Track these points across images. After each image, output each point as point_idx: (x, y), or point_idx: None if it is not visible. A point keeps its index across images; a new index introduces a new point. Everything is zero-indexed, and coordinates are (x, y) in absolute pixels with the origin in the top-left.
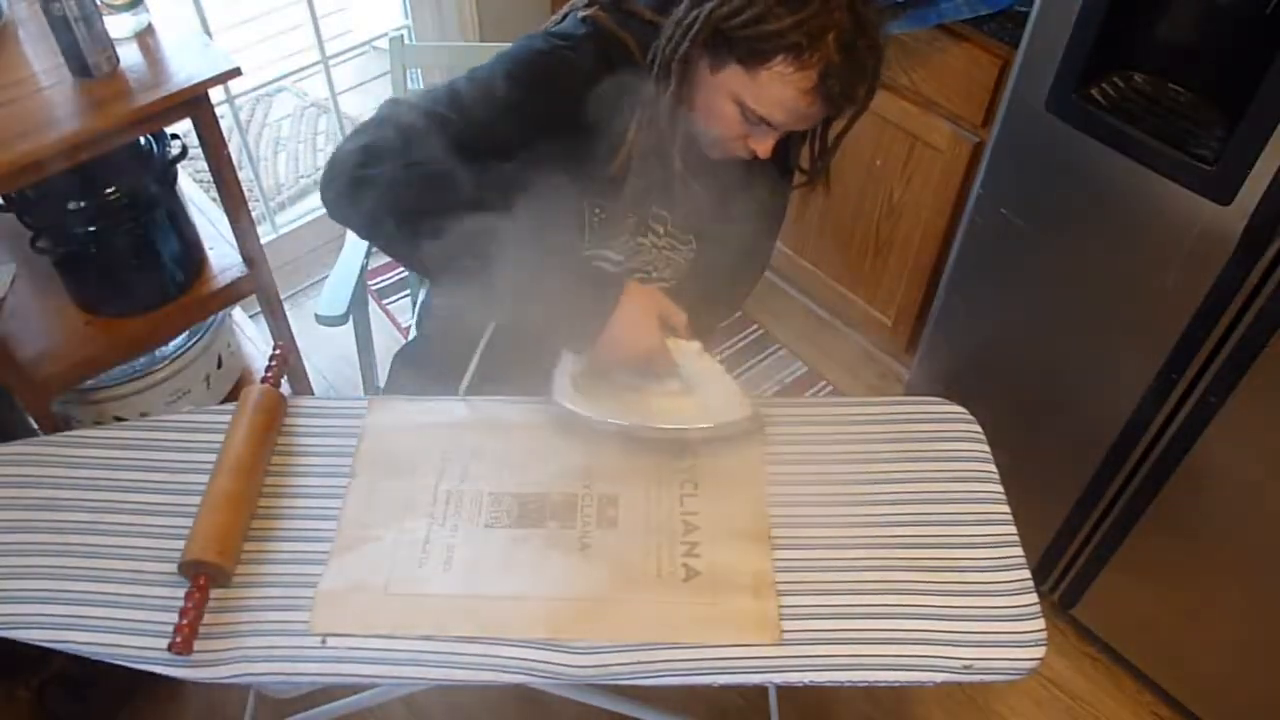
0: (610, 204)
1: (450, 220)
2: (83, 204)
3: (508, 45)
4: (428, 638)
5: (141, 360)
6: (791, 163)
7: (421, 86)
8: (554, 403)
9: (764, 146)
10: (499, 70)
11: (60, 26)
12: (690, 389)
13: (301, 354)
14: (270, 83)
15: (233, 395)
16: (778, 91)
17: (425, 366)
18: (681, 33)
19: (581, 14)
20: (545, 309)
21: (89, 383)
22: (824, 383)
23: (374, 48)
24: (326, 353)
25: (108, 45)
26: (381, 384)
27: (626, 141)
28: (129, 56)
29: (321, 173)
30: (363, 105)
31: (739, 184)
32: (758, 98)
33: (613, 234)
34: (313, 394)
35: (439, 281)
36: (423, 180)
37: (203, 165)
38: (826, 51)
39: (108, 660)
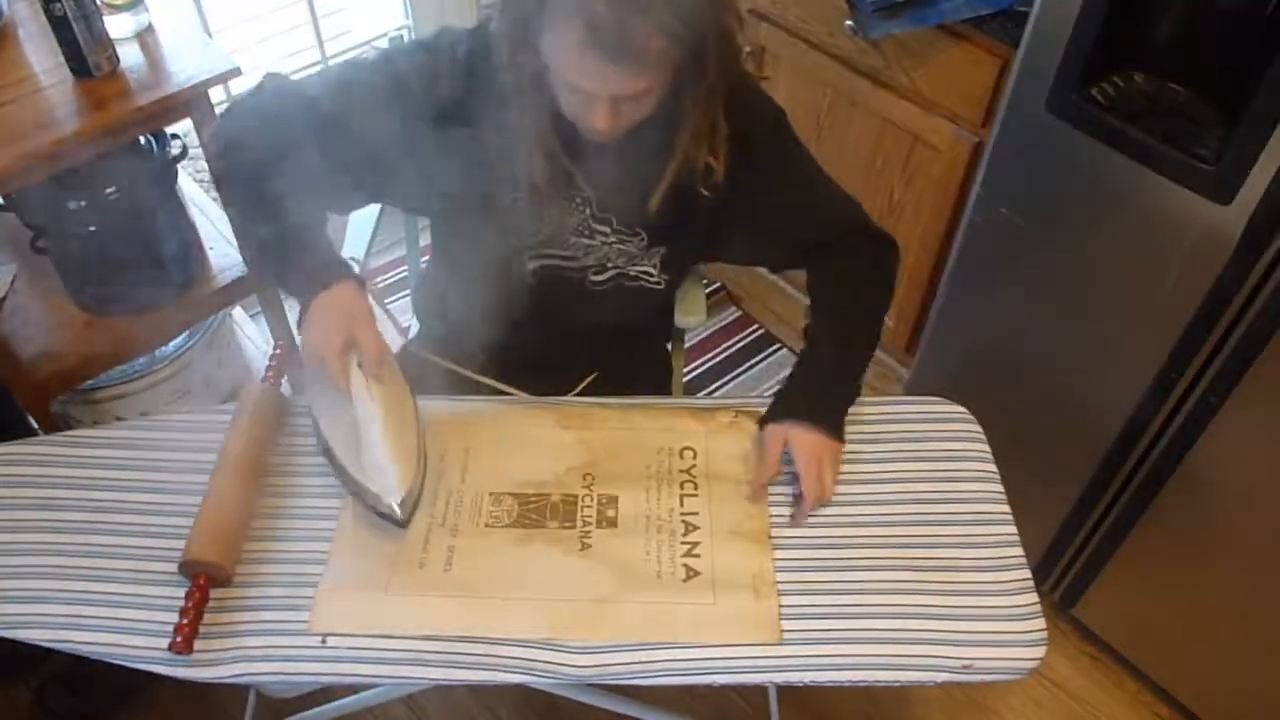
0: (523, 198)
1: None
2: (83, 204)
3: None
4: (428, 638)
5: (141, 360)
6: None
7: None
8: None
9: (596, 117)
10: (381, 59)
11: (60, 26)
12: (357, 437)
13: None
14: None
15: (233, 395)
16: (561, 51)
17: (426, 366)
18: (500, 9)
19: (488, 7)
20: (286, 288)
21: (89, 383)
22: None
23: (374, 48)
24: None
25: (108, 45)
26: None
27: (516, 134)
28: (129, 56)
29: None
30: None
31: (640, 163)
32: (553, 61)
33: (552, 234)
34: None
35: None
36: (240, 145)
37: (203, 165)
38: (587, 1)
39: (108, 660)
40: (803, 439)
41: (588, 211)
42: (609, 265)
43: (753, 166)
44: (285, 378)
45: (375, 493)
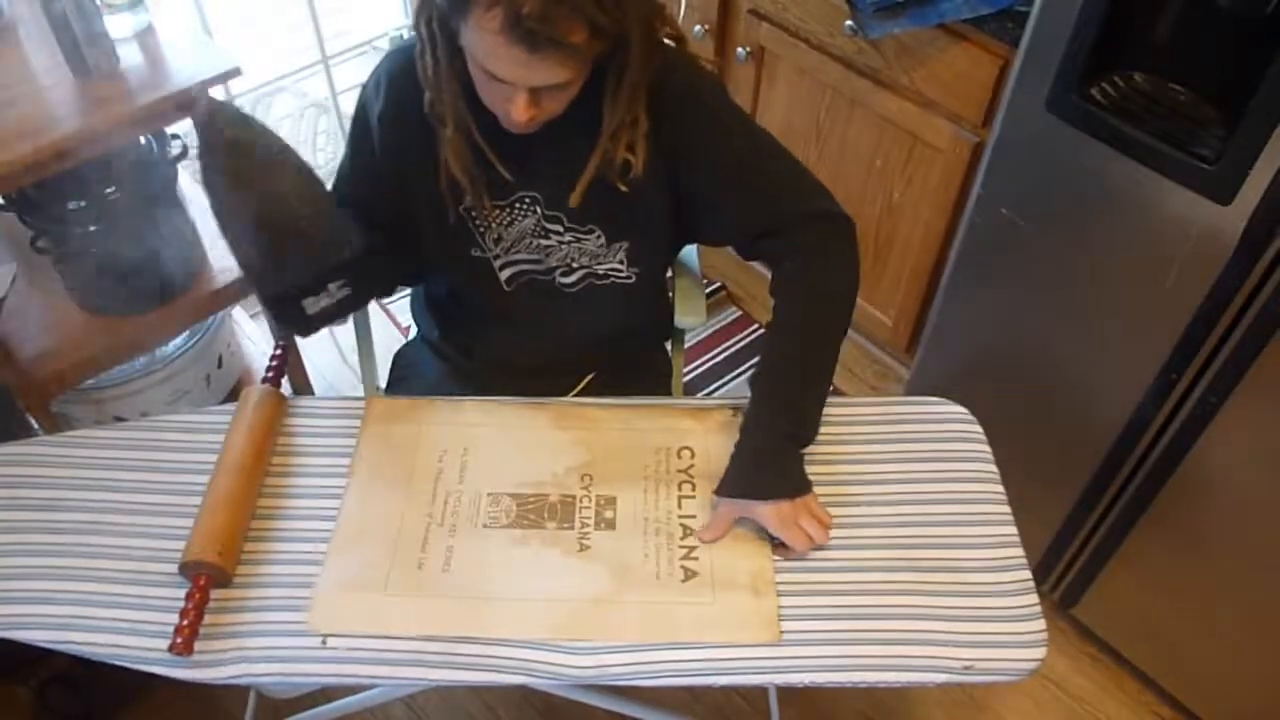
0: (470, 201)
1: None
2: (83, 204)
3: None
4: (428, 638)
5: (141, 360)
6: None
7: None
8: None
9: (514, 107)
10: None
11: (60, 26)
12: None
13: (301, 354)
14: (270, 83)
15: (233, 395)
16: (481, 40)
17: (426, 366)
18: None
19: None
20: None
21: (89, 383)
22: None
23: (374, 48)
24: (326, 353)
25: (108, 45)
26: (381, 384)
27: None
28: (129, 56)
29: None
30: None
31: (566, 153)
32: (473, 51)
33: (514, 238)
34: (313, 394)
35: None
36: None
37: None
38: None
39: (108, 661)
40: (766, 512)
41: (538, 211)
42: (574, 265)
43: (694, 147)
44: (285, 378)
45: None
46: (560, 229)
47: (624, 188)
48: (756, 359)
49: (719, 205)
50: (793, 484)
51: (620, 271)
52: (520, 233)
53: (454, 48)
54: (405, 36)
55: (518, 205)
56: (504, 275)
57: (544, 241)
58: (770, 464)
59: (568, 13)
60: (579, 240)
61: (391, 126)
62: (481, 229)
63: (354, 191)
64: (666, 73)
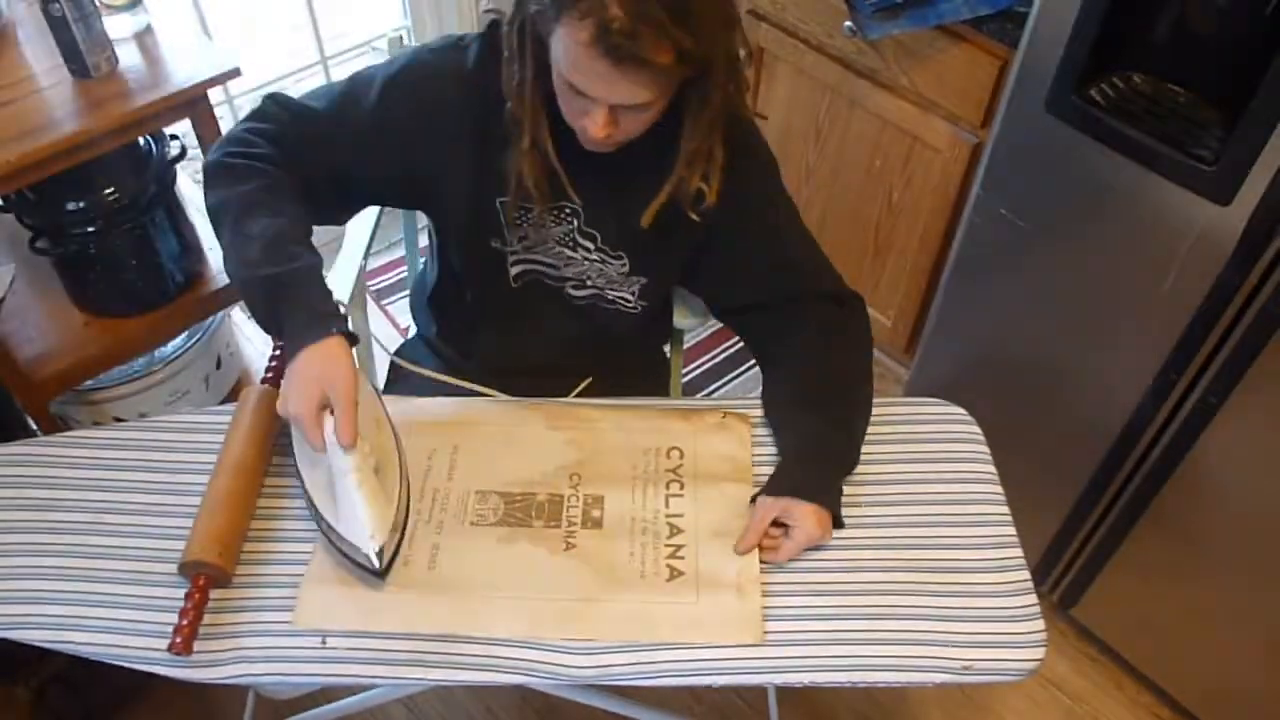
0: (510, 198)
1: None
2: (82, 204)
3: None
4: (418, 636)
5: (141, 360)
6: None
7: None
8: None
9: (593, 122)
10: (382, 68)
11: (60, 26)
12: (333, 486)
13: None
14: (270, 83)
15: (232, 396)
16: (566, 50)
17: (424, 364)
18: (514, 6)
19: (487, 13)
20: (272, 332)
21: (88, 383)
22: None
23: (373, 48)
24: None
25: (107, 45)
26: (379, 384)
27: (513, 128)
28: (128, 56)
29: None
30: None
31: (636, 185)
32: (559, 61)
33: (537, 240)
34: None
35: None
36: (231, 170)
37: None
38: (602, 1)
39: (107, 661)
40: (806, 512)
41: (575, 223)
42: (587, 283)
43: (739, 208)
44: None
45: (352, 544)
46: (591, 247)
47: (696, 217)
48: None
49: (738, 266)
50: (833, 500)
51: (628, 302)
52: (547, 237)
53: (540, 58)
54: (405, 37)
55: (556, 211)
56: (514, 271)
57: (569, 252)
58: (818, 472)
59: (655, 33)
60: (604, 262)
61: (460, 107)
62: (508, 222)
63: (321, 133)
64: (734, 124)
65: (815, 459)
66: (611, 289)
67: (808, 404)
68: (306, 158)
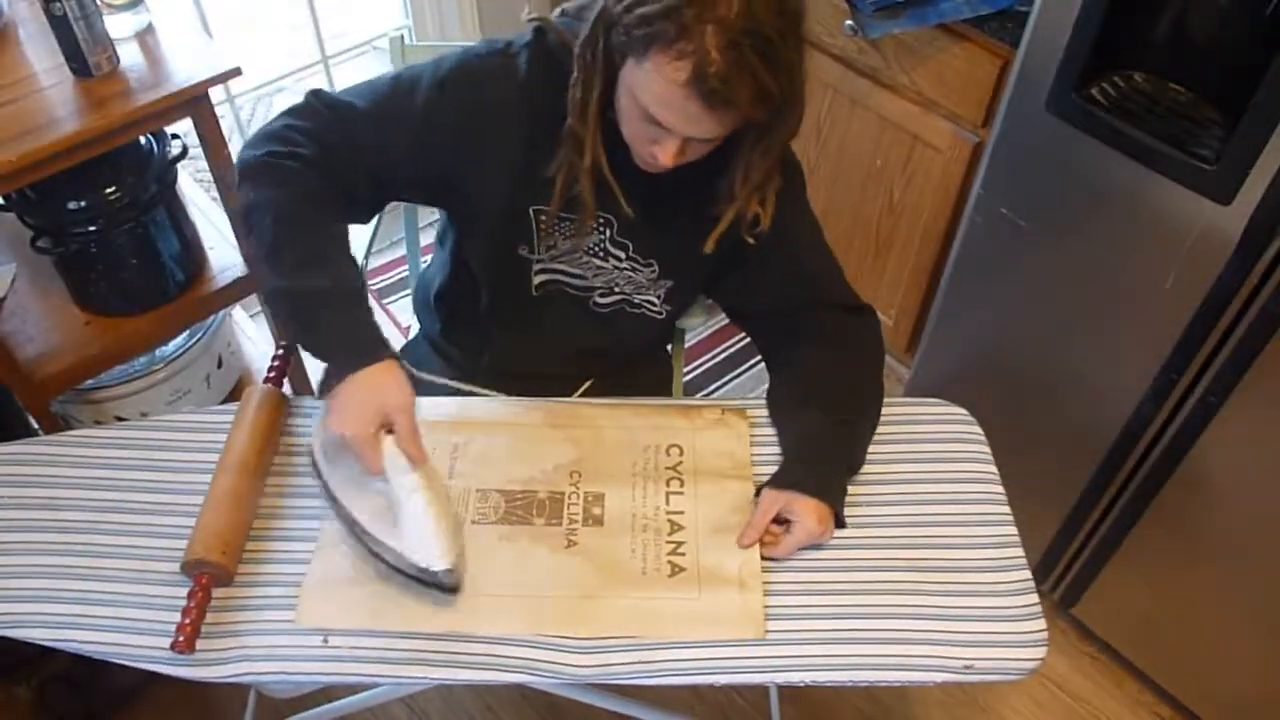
0: (552, 208)
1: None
2: (83, 204)
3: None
4: (420, 635)
5: (141, 360)
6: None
7: None
8: (313, 447)
9: (664, 151)
10: (428, 71)
11: (60, 26)
12: (394, 508)
13: (301, 353)
14: (270, 83)
15: (233, 395)
16: (656, 85)
17: (427, 364)
18: (589, 24)
19: (531, 21)
20: (314, 350)
21: (89, 383)
22: None
23: (374, 48)
24: None
25: (108, 45)
26: None
27: (563, 145)
28: (129, 56)
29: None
30: None
31: (678, 198)
32: (643, 92)
33: (568, 249)
34: (313, 393)
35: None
36: (271, 171)
37: (203, 165)
38: (702, 44)
39: (110, 660)
40: (809, 508)
41: (608, 234)
42: (615, 290)
43: (772, 220)
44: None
45: (422, 564)
46: (622, 256)
47: (751, 239)
48: (756, 359)
49: (758, 274)
50: (836, 499)
51: (653, 305)
52: (578, 246)
53: (609, 78)
54: (405, 37)
55: (571, 216)
56: (537, 280)
57: (599, 262)
58: (822, 469)
59: (748, 79)
60: (635, 270)
61: (506, 113)
62: (540, 230)
63: (365, 132)
64: None
65: (819, 457)
66: (639, 293)
67: (814, 403)
68: (348, 157)
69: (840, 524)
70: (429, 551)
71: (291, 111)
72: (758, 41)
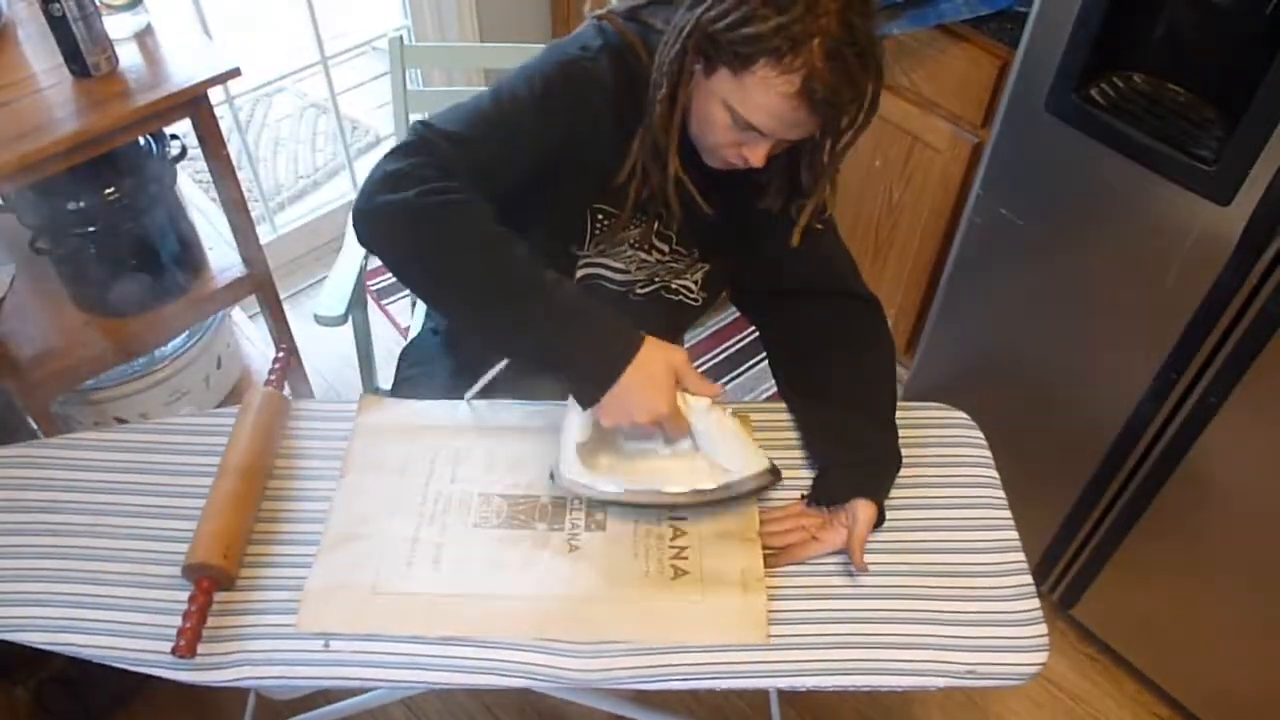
0: (616, 211)
1: (461, 266)
2: (83, 204)
3: (531, 49)
4: (422, 639)
5: (141, 360)
6: (803, 181)
7: (421, 86)
8: (560, 475)
9: (756, 154)
10: (523, 85)
11: (60, 26)
12: (702, 447)
13: (301, 354)
14: (270, 83)
15: (232, 395)
16: (762, 97)
17: (434, 366)
18: (675, 37)
19: (597, 21)
20: (548, 367)
21: (89, 383)
22: None
23: (374, 48)
24: (326, 353)
25: (107, 45)
26: (381, 383)
27: (633, 150)
28: (129, 56)
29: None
30: (362, 105)
31: (744, 197)
32: (744, 103)
33: (614, 244)
34: (312, 394)
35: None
36: (441, 209)
37: (203, 165)
38: (810, 57)
39: (109, 663)
40: (871, 516)
41: (656, 226)
42: (655, 280)
43: None
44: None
45: (750, 477)
46: (666, 248)
47: (819, 226)
48: (756, 359)
49: (781, 254)
50: (883, 498)
51: (690, 291)
52: (624, 240)
53: (690, 86)
54: (405, 37)
55: (636, 215)
56: (579, 274)
57: (643, 255)
58: (886, 477)
59: (850, 84)
60: (677, 260)
61: (595, 114)
62: (596, 230)
63: (494, 158)
64: None
65: (870, 461)
66: (677, 279)
67: (854, 405)
68: (479, 186)
69: (881, 520)
70: (749, 460)
71: (405, 150)
72: (856, 48)
